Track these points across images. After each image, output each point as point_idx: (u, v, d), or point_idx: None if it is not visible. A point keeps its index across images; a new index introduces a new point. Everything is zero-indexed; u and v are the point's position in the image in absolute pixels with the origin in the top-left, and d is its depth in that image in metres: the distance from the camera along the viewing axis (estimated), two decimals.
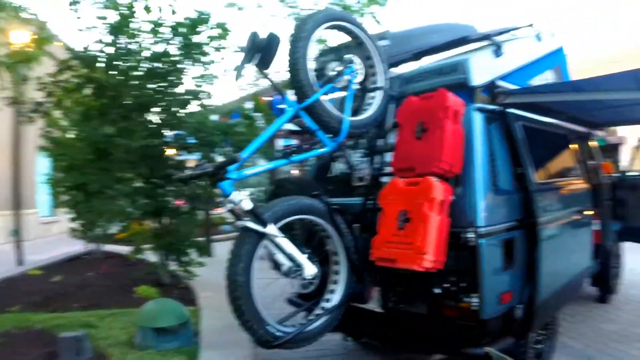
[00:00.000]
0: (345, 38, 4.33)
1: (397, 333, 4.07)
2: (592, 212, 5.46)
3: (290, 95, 3.89)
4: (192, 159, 8.40)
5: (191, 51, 7.32)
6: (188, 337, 5.14)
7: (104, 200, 7.43)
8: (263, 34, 3.78)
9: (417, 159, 3.56)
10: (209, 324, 5.69)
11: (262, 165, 3.88)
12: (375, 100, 4.20)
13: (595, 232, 6.27)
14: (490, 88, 4.11)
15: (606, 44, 26.26)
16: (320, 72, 4.16)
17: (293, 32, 3.71)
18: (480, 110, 3.91)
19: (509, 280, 3.75)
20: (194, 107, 7.86)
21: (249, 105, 9.57)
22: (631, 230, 7.33)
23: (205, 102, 7.92)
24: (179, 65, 7.35)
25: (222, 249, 10.60)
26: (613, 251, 6.85)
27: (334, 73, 4.03)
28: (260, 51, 3.74)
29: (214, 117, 8.29)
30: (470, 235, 3.43)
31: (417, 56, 5.16)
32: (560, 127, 5.37)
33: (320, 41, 6.90)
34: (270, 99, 10.95)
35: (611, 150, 7.99)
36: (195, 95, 7.64)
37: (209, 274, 8.17)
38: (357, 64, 4.16)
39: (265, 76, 3.94)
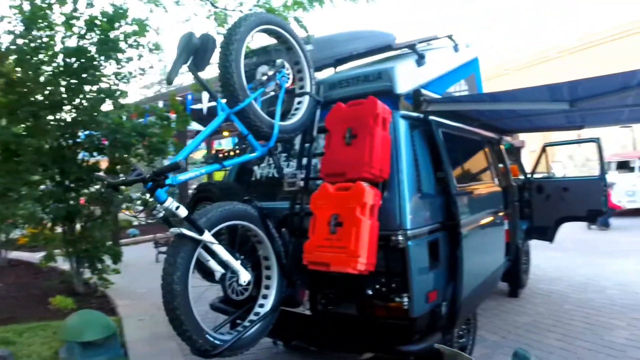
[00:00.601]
0: (271, 41, 4.36)
1: (326, 335, 4.14)
2: (503, 213, 5.81)
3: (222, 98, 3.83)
4: (104, 161, 8.11)
5: (107, 47, 7.06)
6: (116, 349, 4.99)
7: (8, 203, 7.04)
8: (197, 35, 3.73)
9: (347, 165, 3.63)
10: (134, 334, 5.57)
11: (195, 170, 3.83)
12: (302, 106, 4.24)
13: (506, 231, 6.70)
14: (414, 96, 4.28)
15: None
16: (249, 75, 4.11)
17: (226, 34, 3.68)
18: (405, 117, 4.07)
19: (435, 279, 3.93)
20: (108, 106, 7.60)
21: (160, 104, 9.32)
22: (536, 229, 7.88)
23: (121, 101, 7.66)
24: (94, 62, 7.07)
25: (130, 254, 10.40)
26: (522, 248, 7.31)
27: (265, 77, 4.01)
28: (195, 53, 3.68)
29: (125, 117, 8.02)
30: (400, 237, 3.57)
31: (339, 62, 5.26)
32: (476, 134, 5.68)
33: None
34: (183, 98, 10.74)
35: (515, 153, 8.47)
36: (110, 94, 7.37)
37: (121, 280, 7.98)
38: (287, 68, 4.18)
39: (198, 78, 3.86)
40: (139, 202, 7.07)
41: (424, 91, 4.36)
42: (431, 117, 4.32)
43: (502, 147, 6.98)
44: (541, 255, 10.05)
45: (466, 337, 4.80)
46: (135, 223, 21.62)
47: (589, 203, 7.50)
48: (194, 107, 14.31)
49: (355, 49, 5.25)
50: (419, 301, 3.67)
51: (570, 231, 13.59)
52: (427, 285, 3.82)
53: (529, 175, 8.20)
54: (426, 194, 4.04)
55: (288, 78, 4.14)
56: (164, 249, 12.10)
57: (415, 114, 4.26)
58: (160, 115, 8.14)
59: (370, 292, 3.67)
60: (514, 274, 7.21)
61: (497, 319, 6.37)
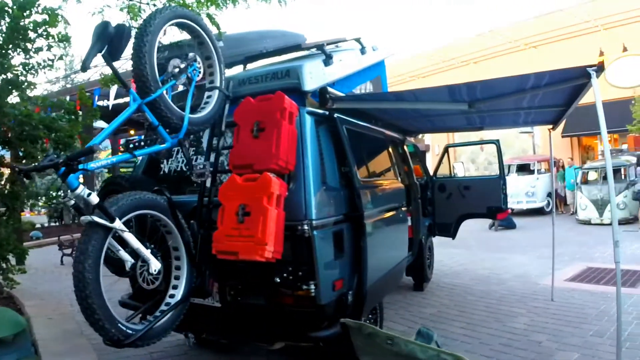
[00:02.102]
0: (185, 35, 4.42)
1: (236, 326, 4.22)
2: (406, 209, 6.09)
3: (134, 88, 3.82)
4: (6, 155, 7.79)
5: (16, 36, 6.76)
6: (26, 347, 4.84)
7: None
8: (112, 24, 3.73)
9: (254, 157, 3.75)
10: (44, 333, 5.45)
11: (107, 158, 3.80)
12: (212, 100, 4.30)
13: (409, 227, 7.02)
14: (320, 93, 4.47)
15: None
16: (161, 67, 4.09)
17: (140, 26, 3.70)
18: (311, 113, 4.24)
19: (340, 268, 4.11)
20: (14, 98, 7.31)
21: (68, 98, 9.04)
22: (439, 226, 8.30)
23: (29, 93, 7.37)
24: (2, 51, 6.74)
25: (34, 257, 10.02)
26: (425, 244, 7.69)
27: (177, 70, 4.05)
28: (110, 42, 3.68)
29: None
30: (305, 227, 3.72)
31: (249, 60, 5.38)
32: (381, 132, 5.95)
33: None
34: (90, 93, 10.46)
35: (420, 156, 8.87)
36: (17, 85, 7.08)
37: (26, 282, 7.73)
38: (199, 62, 4.25)
39: (112, 67, 3.85)
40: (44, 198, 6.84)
41: (330, 89, 4.55)
42: (337, 115, 4.51)
43: (405, 147, 7.34)
44: (446, 252, 10.58)
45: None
46: (38, 225, 20.75)
47: (488, 200, 7.99)
48: (100, 103, 13.95)
49: (265, 48, 5.38)
50: (325, 289, 3.83)
51: (474, 230, 14.41)
52: (333, 274, 4.00)
53: (432, 176, 8.61)
54: (331, 186, 4.22)
55: (199, 72, 4.21)
56: (68, 251, 11.82)
57: (321, 111, 4.44)
58: (68, 109, 7.90)
59: (278, 280, 3.78)
60: (418, 268, 7.59)
61: (404, 310, 6.69)
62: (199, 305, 4.21)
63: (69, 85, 21.46)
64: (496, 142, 8.15)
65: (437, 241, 8.89)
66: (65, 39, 7.36)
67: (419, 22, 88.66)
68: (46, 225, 22.36)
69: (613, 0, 20.64)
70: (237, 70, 5.45)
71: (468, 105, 4.68)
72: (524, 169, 19.38)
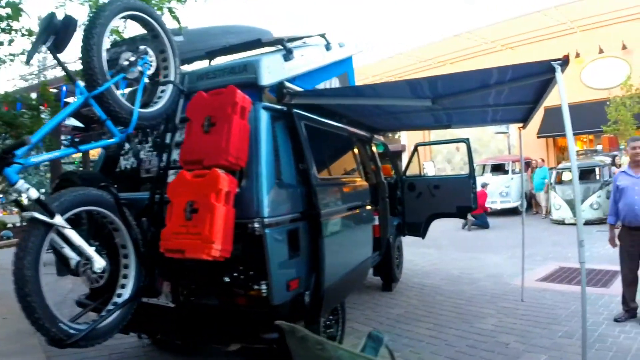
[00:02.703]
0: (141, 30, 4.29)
1: (191, 327, 4.10)
2: (371, 208, 5.99)
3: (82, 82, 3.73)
4: None
5: None
6: None
7: None
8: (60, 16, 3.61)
9: (204, 152, 3.64)
10: None
11: (51, 153, 3.66)
12: (165, 94, 4.20)
13: (376, 226, 6.92)
14: (278, 88, 4.34)
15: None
16: (114, 62, 4.01)
17: (89, 17, 3.61)
18: (267, 108, 4.13)
19: (296, 268, 4.01)
20: None
21: (34, 95, 8.86)
22: (409, 225, 8.22)
23: None
24: None
25: (4, 257, 9.77)
26: (393, 244, 7.59)
27: (127, 63, 3.94)
28: (56, 33, 3.56)
29: None
30: (256, 225, 3.61)
31: (210, 55, 5.25)
32: (344, 130, 5.84)
33: (116, 32, 6.69)
34: (58, 90, 10.24)
35: (390, 154, 8.79)
36: None
37: None
38: (151, 56, 4.13)
39: (57, 59, 3.72)
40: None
41: (287, 84, 4.43)
42: (295, 110, 4.40)
43: (373, 145, 7.24)
44: (418, 252, 10.54)
45: (334, 327, 4.89)
46: (10, 225, 20.41)
47: (458, 200, 7.94)
48: (68, 99, 13.73)
49: (228, 43, 5.26)
50: (279, 289, 3.73)
51: (447, 230, 14.39)
52: (288, 274, 3.89)
53: (402, 175, 8.53)
54: (287, 184, 4.11)
55: (151, 65, 4.10)
56: None
57: (279, 106, 4.32)
58: (30, 105, 7.72)
59: (227, 280, 3.68)
60: (386, 268, 7.50)
61: (371, 311, 6.59)
62: (153, 306, 4.09)
63: (36, 82, 21.18)
64: (466, 141, 8.09)
65: (409, 241, 8.83)
66: (30, 34, 7.20)
67: (396, 22, 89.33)
68: (18, 224, 22.01)
69: (589, 2, 20.74)
70: (202, 65, 5.32)
71: (431, 102, 4.59)
72: (498, 169, 19.40)
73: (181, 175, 3.64)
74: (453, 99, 4.62)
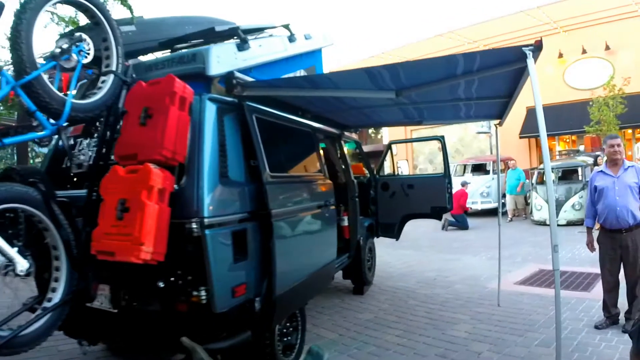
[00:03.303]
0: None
1: (134, 333, 3.83)
2: (336, 208, 5.69)
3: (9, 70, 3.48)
4: None
5: None
6: None
7: None
8: None
9: (139, 146, 3.35)
10: None
11: None
12: (105, 85, 3.88)
13: (345, 227, 6.62)
14: (227, 79, 4.02)
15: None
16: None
17: (20, 3, 3.31)
18: (214, 100, 3.82)
19: (243, 272, 3.69)
20: None
21: None
22: (382, 226, 7.93)
23: None
24: None
25: None
26: (364, 245, 7.28)
27: (59, 50, 3.62)
28: None
29: None
30: (194, 225, 3.30)
31: (163, 46, 4.95)
32: (304, 125, 5.51)
33: (72, 22, 6.36)
34: None
35: (362, 153, 8.50)
36: None
37: None
38: (88, 43, 3.80)
39: None
40: None
41: (238, 75, 4.10)
42: (248, 103, 4.10)
43: (343, 143, 6.94)
44: (394, 253, 10.27)
45: (292, 335, 4.59)
46: None
47: (433, 200, 7.66)
48: None
49: (182, 33, 4.96)
50: (222, 295, 3.43)
51: (426, 231, 14.12)
52: (233, 279, 3.59)
53: (376, 174, 8.26)
54: (234, 181, 3.81)
55: (88, 54, 3.77)
56: None
57: (229, 98, 4.02)
58: None
59: (162, 285, 3.37)
60: (357, 271, 7.19)
61: (338, 316, 6.28)
62: (95, 310, 3.79)
63: None
64: (441, 139, 7.83)
65: (386, 241, 8.56)
66: None
67: (379, 22, 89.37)
68: None
69: (573, 2, 20.68)
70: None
71: (395, 94, 4.28)
72: (479, 169, 19.11)
73: (114, 171, 3.35)
74: (419, 90, 4.32)
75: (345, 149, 7.18)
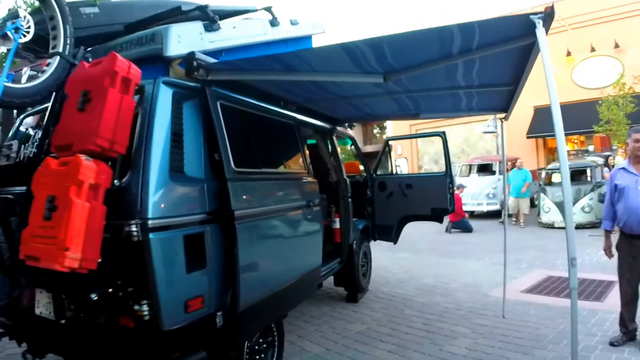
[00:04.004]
0: None
1: (82, 347, 3.35)
2: (326, 209, 5.18)
3: None
4: None
5: None
6: None
7: None
8: None
9: (75, 135, 2.87)
10: None
11: None
12: (50, 67, 3.46)
13: (336, 230, 6.10)
14: (187, 60, 3.49)
15: None
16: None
17: None
18: (170, 84, 3.32)
19: (199, 283, 3.17)
20: None
21: None
22: (379, 229, 7.40)
23: None
24: None
25: None
26: (358, 250, 6.76)
27: None
28: None
29: None
30: (134, 228, 2.79)
31: (129, 29, 4.47)
32: (285, 116, 4.94)
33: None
34: None
35: (358, 150, 7.94)
36: None
37: None
38: (28, 21, 3.34)
39: None
40: None
41: (201, 56, 3.55)
42: (215, 88, 3.61)
43: (334, 138, 6.41)
44: (393, 257, 9.74)
45: (267, 352, 4.08)
46: None
47: (433, 201, 7.09)
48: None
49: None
50: (170, 310, 2.91)
51: (428, 233, 13.53)
52: (185, 291, 3.07)
53: (372, 172, 7.74)
54: (191, 177, 3.28)
55: (24, 31, 3.30)
56: None
57: (192, 83, 3.51)
58: None
59: (95, 297, 2.85)
60: (350, 277, 6.67)
61: (327, 326, 5.76)
62: (43, 320, 3.37)
63: None
64: (442, 135, 7.28)
65: (384, 244, 7.98)
66: None
67: (371, 15, 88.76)
68: None
69: (581, 0, 20.13)
70: None
71: (383, 78, 3.73)
72: (485, 169, 18.43)
73: (46, 164, 2.88)
74: (410, 73, 3.76)
75: (338, 146, 6.64)
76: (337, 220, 6.21)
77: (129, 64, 2.96)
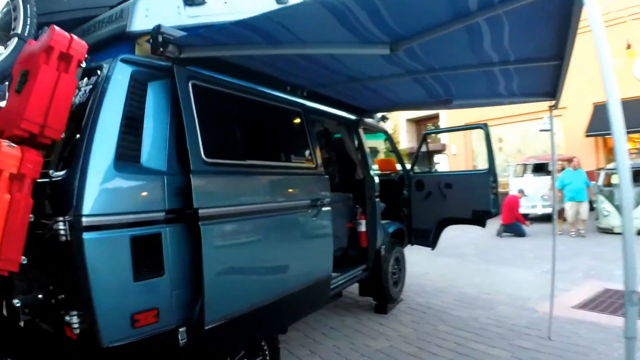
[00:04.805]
0: None
1: (38, 353, 3.11)
2: (352, 210, 5.00)
3: None
4: None
5: None
6: None
7: None
8: None
9: (8, 120, 2.49)
10: None
11: None
12: (7, 50, 3.16)
13: (362, 233, 5.56)
14: (152, 34, 3.02)
15: None
16: None
17: None
18: (129, 62, 2.90)
19: (153, 293, 2.71)
20: None
21: None
22: (416, 232, 6.82)
23: None
24: None
25: None
26: (388, 255, 6.18)
27: None
28: None
29: None
30: (62, 226, 2.37)
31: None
32: (288, 102, 4.37)
33: None
34: None
35: (393, 145, 7.32)
36: None
37: None
38: None
39: None
40: None
41: (167, 29, 3.05)
42: (188, 67, 3.16)
43: (360, 131, 5.83)
44: (435, 262, 9.06)
45: None
46: None
47: (474, 202, 6.41)
48: None
49: None
50: (110, 324, 2.48)
51: (477, 236, 12.59)
52: (133, 302, 2.60)
53: (409, 171, 7.12)
54: (149, 169, 2.81)
55: None
56: None
57: (162, 62, 3.06)
58: None
59: (17, 303, 2.49)
60: (378, 286, 6.07)
61: (345, 341, 5.17)
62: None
63: None
64: (484, 127, 6.57)
65: (425, 248, 7.17)
66: None
67: None
68: None
69: None
70: None
71: (390, 48, 3.13)
72: (540, 169, 17.16)
73: None
74: (422, 40, 3.10)
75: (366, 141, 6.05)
76: (363, 222, 5.66)
77: (70, 38, 2.56)
